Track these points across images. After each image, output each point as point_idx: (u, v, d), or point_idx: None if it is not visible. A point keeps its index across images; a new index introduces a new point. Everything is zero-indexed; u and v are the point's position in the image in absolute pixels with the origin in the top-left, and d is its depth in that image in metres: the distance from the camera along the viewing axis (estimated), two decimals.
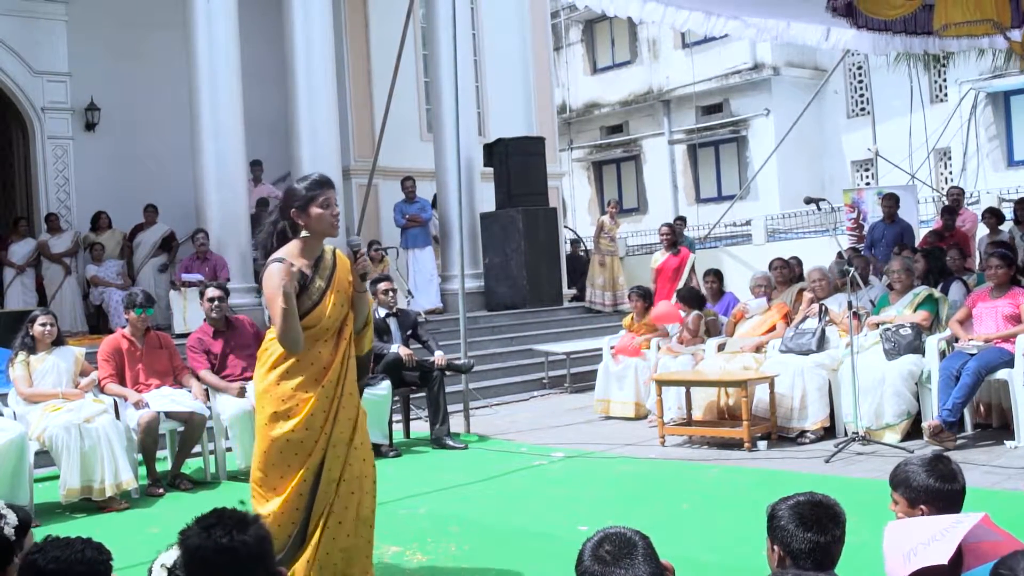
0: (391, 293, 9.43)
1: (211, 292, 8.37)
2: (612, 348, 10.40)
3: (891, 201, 12.55)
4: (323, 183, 4.28)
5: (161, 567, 2.84)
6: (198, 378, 8.09)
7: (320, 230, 4.27)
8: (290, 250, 4.26)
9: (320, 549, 4.17)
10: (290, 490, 4.16)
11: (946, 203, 13.30)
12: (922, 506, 3.23)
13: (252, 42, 13.89)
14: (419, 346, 9.53)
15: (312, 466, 4.18)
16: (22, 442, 6.81)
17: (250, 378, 8.00)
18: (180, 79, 13.16)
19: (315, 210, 4.21)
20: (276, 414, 4.18)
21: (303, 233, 4.27)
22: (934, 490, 3.19)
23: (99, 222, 13.85)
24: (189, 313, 11.75)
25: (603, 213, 16.36)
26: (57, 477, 7.08)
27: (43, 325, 7.54)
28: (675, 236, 13.07)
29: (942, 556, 2.66)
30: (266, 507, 4.18)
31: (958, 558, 2.77)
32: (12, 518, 3.34)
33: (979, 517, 2.79)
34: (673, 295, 11.05)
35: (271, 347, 4.26)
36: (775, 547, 2.82)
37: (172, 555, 2.80)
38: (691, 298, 10.13)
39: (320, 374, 4.22)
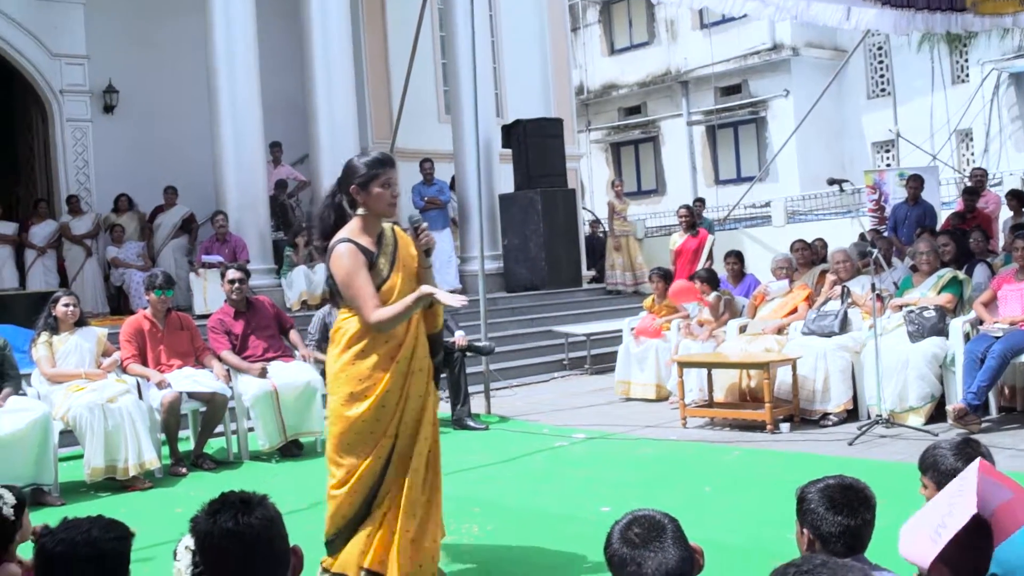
0: None
1: (232, 274, 8.38)
2: (633, 329, 10.38)
3: (916, 182, 12.44)
4: (385, 162, 4.25)
5: (186, 549, 2.85)
6: (219, 359, 8.11)
7: (378, 210, 4.25)
8: (352, 229, 4.23)
9: (386, 528, 4.18)
10: (363, 469, 4.15)
11: (968, 184, 13.18)
12: None
13: (269, 24, 13.86)
14: None
15: (387, 444, 4.17)
16: (46, 422, 6.84)
17: (272, 358, 8.10)
18: (198, 61, 13.16)
19: (376, 189, 4.19)
20: (353, 395, 4.16)
21: (360, 211, 4.24)
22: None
23: (120, 204, 13.89)
24: (209, 294, 11.78)
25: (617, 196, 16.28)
26: (81, 456, 7.13)
27: (66, 306, 7.56)
28: (693, 218, 13.03)
29: (969, 510, 2.61)
30: (340, 490, 4.19)
31: (988, 533, 2.72)
32: (9, 498, 3.40)
33: (976, 464, 2.74)
34: (691, 277, 11.00)
35: (344, 326, 4.23)
36: (805, 530, 2.80)
37: None
38: (710, 279, 10.09)
39: (395, 351, 4.19)
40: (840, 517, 2.72)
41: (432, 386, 4.38)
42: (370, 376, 4.15)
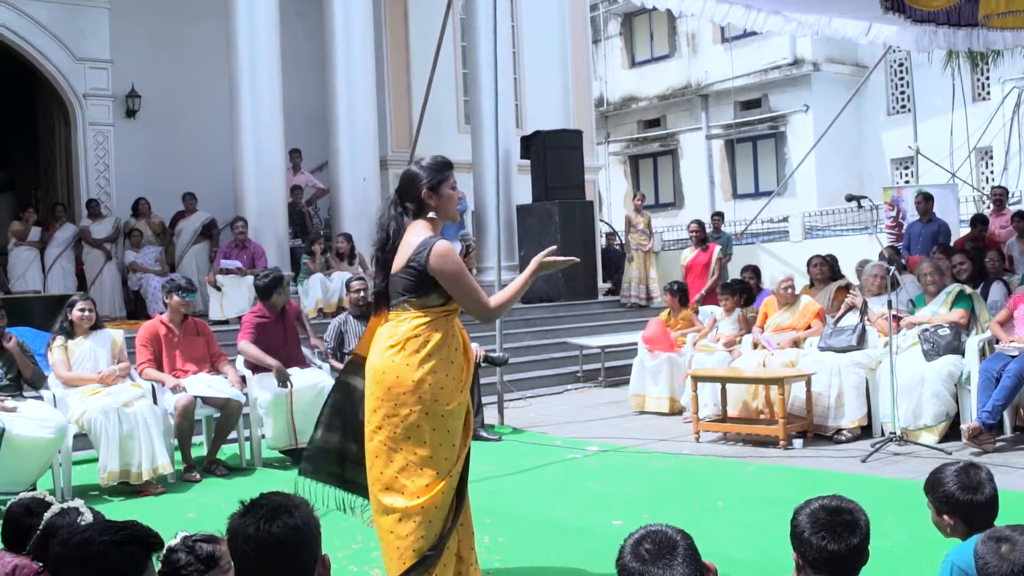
0: None
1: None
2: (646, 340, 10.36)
3: (926, 200, 12.42)
4: (450, 164, 4.18)
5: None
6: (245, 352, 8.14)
7: (448, 211, 4.15)
8: (427, 230, 4.07)
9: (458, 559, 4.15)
10: (443, 487, 3.99)
11: (989, 206, 13.12)
12: (946, 516, 3.17)
13: (292, 32, 13.95)
14: None
15: (461, 464, 4.13)
16: (63, 432, 6.84)
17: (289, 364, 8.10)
18: (220, 68, 13.25)
19: (446, 191, 4.10)
20: (438, 403, 3.96)
21: (430, 215, 4.10)
22: (955, 500, 3.12)
23: (139, 208, 13.96)
24: (227, 300, 11.82)
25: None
26: (95, 460, 7.15)
27: (81, 310, 7.60)
28: (704, 233, 13.00)
29: None
30: (410, 520, 3.93)
31: None
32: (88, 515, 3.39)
33: None
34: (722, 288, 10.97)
35: (423, 333, 3.97)
36: (795, 553, 2.78)
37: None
38: (735, 291, 10.00)
39: (466, 360, 4.15)
40: (825, 543, 2.68)
41: None
42: (453, 385, 4.01)
